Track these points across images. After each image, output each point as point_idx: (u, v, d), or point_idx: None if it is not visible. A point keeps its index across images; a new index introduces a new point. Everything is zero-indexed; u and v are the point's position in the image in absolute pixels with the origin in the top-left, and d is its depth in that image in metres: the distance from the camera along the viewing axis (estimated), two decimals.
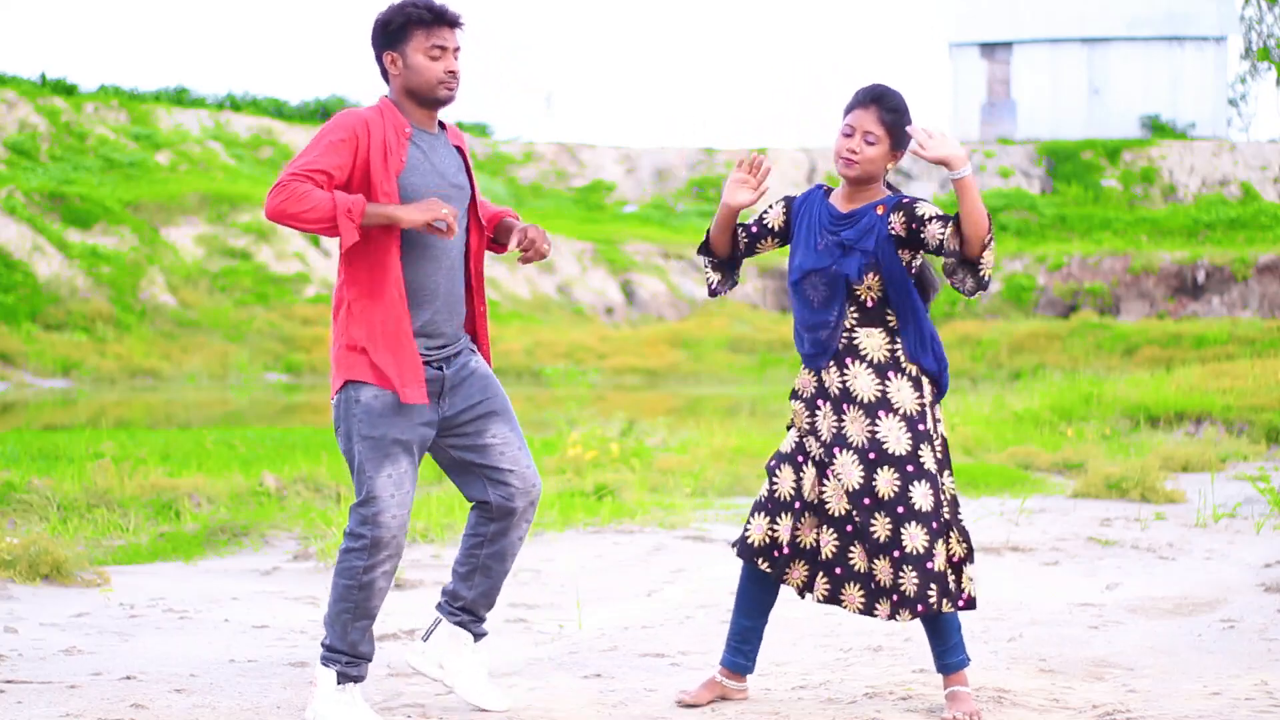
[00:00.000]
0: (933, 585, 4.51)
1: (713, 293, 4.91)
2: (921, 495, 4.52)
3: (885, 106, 4.62)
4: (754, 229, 4.84)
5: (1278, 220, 38.18)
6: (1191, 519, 9.13)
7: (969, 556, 4.65)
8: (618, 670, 5.32)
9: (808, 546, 4.68)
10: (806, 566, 4.70)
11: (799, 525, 4.67)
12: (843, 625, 6.14)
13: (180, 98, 43.39)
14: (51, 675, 5.04)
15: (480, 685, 4.75)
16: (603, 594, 6.94)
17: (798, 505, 4.66)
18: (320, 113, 45.06)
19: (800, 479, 4.67)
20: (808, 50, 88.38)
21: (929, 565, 4.51)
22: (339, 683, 4.49)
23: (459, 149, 4.68)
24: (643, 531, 8.87)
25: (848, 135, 4.63)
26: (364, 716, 4.48)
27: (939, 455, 4.62)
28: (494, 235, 4.78)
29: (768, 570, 4.68)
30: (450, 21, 4.55)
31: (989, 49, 45.21)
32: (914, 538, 4.50)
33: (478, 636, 4.77)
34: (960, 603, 4.64)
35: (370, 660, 4.56)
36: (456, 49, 4.57)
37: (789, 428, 4.79)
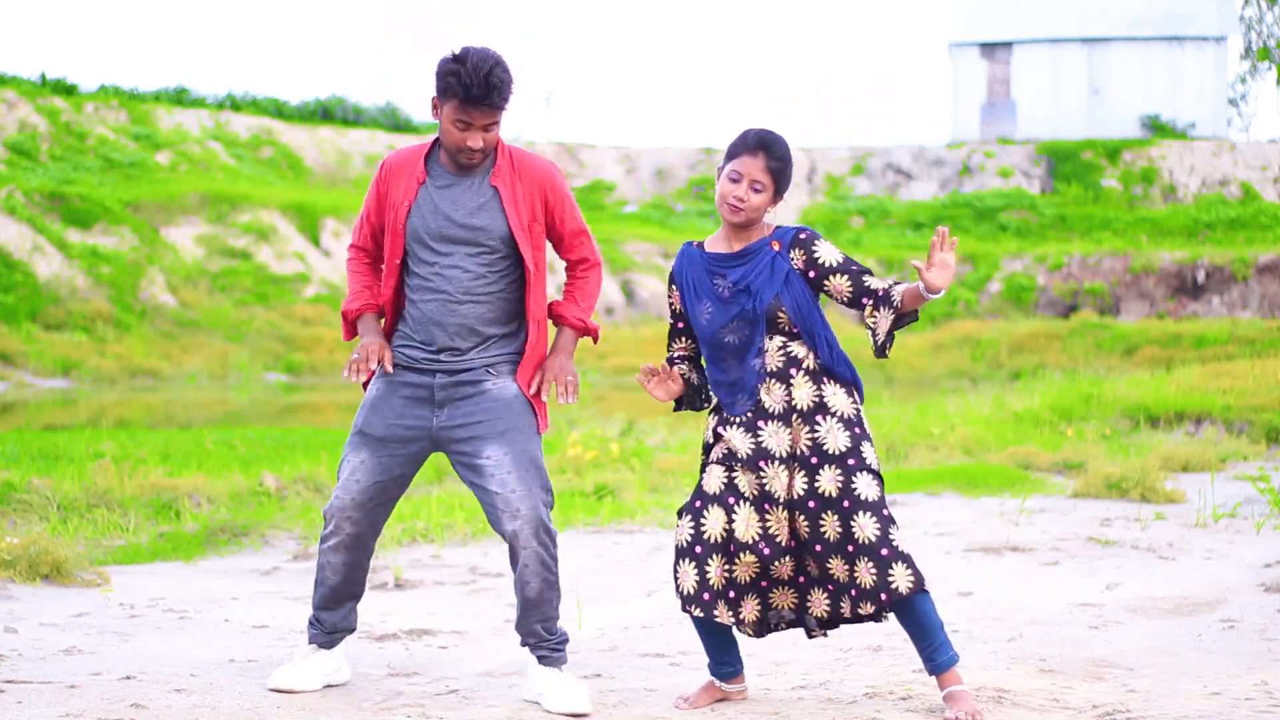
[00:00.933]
0: (891, 571, 4.51)
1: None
2: (866, 485, 4.56)
3: (773, 155, 4.67)
4: (679, 325, 4.90)
5: (1278, 220, 38.19)
6: (1191, 519, 9.13)
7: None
8: (618, 670, 5.32)
9: (746, 581, 4.67)
10: (756, 600, 4.70)
11: (733, 565, 4.65)
12: (842, 625, 6.13)
13: (180, 98, 43.38)
14: (51, 675, 5.04)
15: (554, 695, 4.74)
16: (603, 594, 6.95)
17: (732, 546, 4.65)
18: (320, 113, 45.05)
19: (733, 519, 4.65)
20: (808, 50, 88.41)
21: (883, 552, 4.51)
22: (309, 642, 4.99)
23: (496, 188, 4.76)
24: (643, 531, 8.87)
25: (734, 181, 4.67)
26: (304, 671, 4.90)
27: (873, 454, 4.67)
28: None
29: (700, 615, 4.66)
30: (489, 106, 4.62)
31: (989, 49, 45.22)
32: (864, 527, 4.53)
33: (540, 660, 4.82)
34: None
35: (334, 630, 4.96)
36: (489, 125, 4.66)
37: (708, 465, 4.74)
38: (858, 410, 4.70)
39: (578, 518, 9.17)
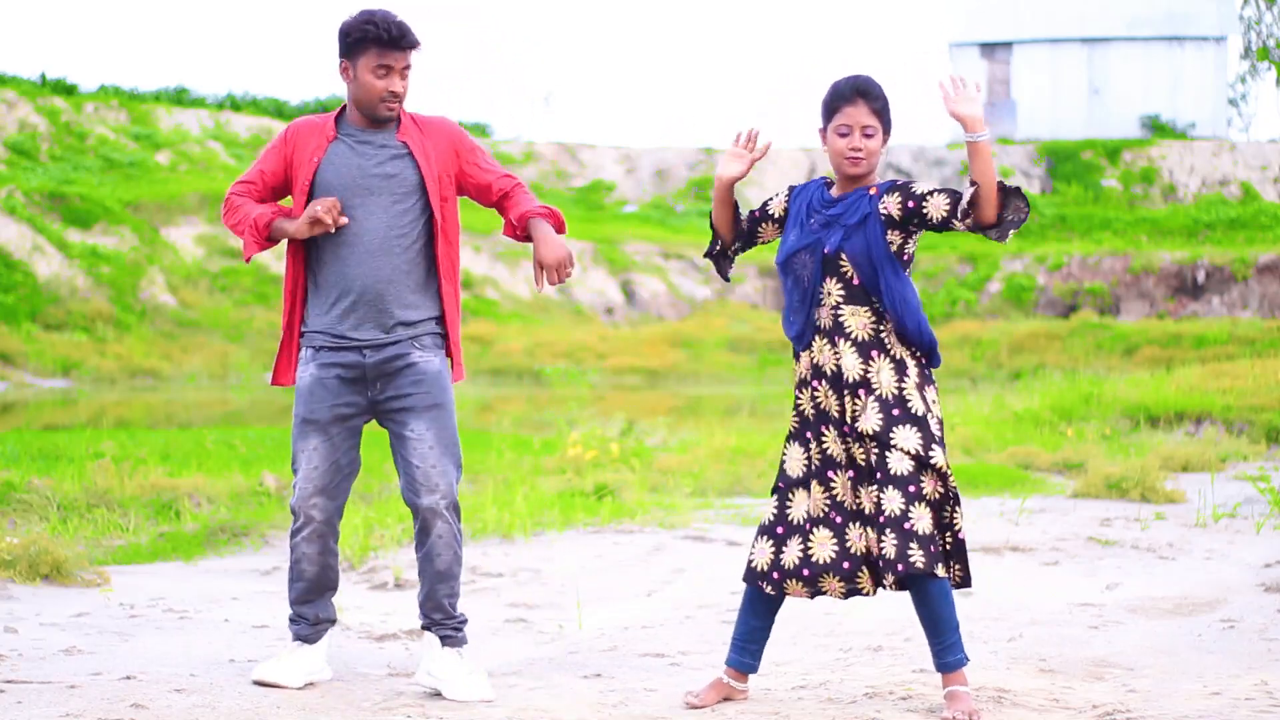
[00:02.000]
0: (912, 545, 4.49)
1: (727, 278, 5.01)
2: (897, 462, 4.55)
3: (872, 97, 4.68)
4: (756, 214, 4.92)
5: (1278, 220, 38.17)
6: (1191, 519, 9.13)
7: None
8: (618, 670, 5.31)
9: (828, 560, 4.68)
10: (839, 579, 4.70)
11: (809, 543, 4.68)
12: (842, 625, 6.14)
13: (180, 98, 43.37)
14: (51, 675, 5.04)
15: (455, 684, 4.82)
16: (603, 594, 6.94)
17: (808, 526, 4.69)
18: (320, 113, 45.02)
19: (810, 498, 4.70)
20: (808, 50, 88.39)
21: (906, 526, 4.50)
22: (293, 639, 5.03)
23: (405, 142, 4.89)
24: (643, 531, 8.87)
25: (844, 135, 4.67)
26: (289, 666, 4.93)
27: (923, 435, 4.59)
28: (526, 232, 4.95)
29: (771, 592, 4.73)
30: (406, 45, 4.81)
31: (989, 49, 45.21)
32: (891, 501, 4.53)
33: (443, 640, 4.89)
34: (949, 574, 4.62)
35: (317, 622, 5.01)
36: (405, 68, 4.84)
37: (789, 440, 4.78)
38: (901, 391, 4.61)
39: (578, 518, 9.16)
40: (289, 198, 5.01)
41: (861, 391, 4.62)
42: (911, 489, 4.55)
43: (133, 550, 8.10)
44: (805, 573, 4.67)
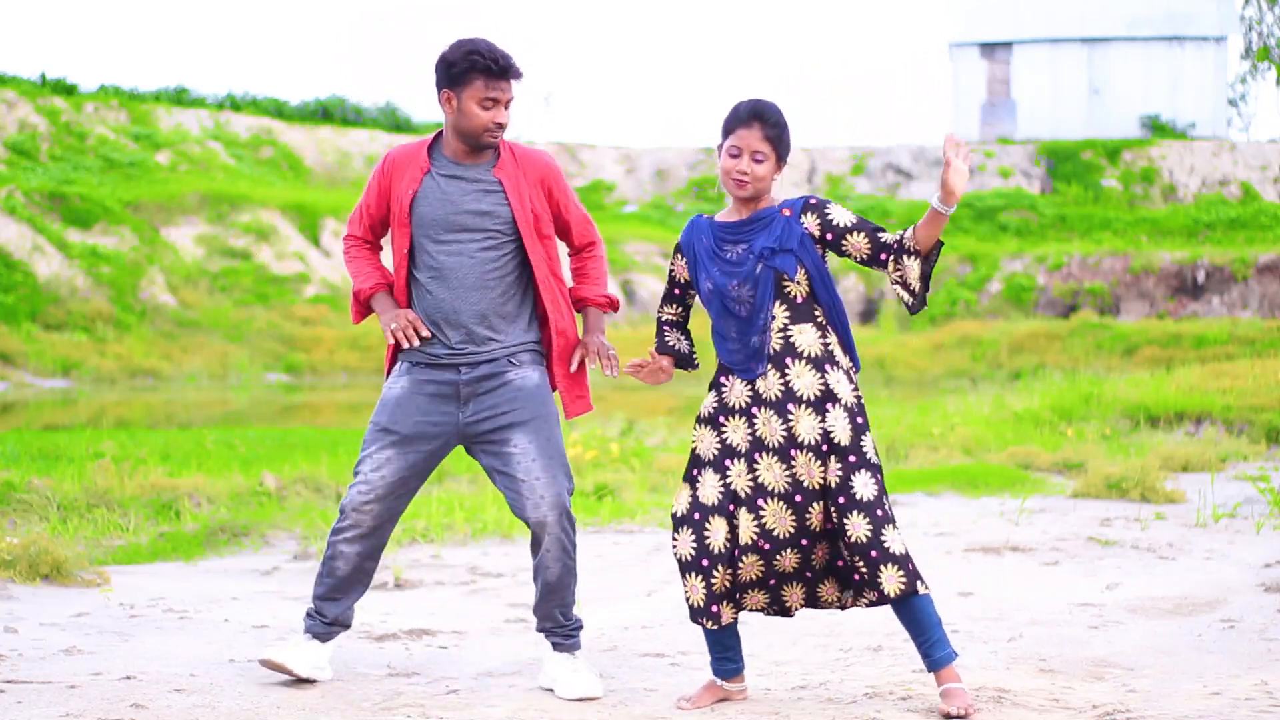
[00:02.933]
0: (880, 572, 4.50)
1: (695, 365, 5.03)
2: (862, 485, 4.55)
3: (767, 123, 4.66)
4: (677, 292, 4.94)
5: (1278, 220, 38.17)
6: (1191, 519, 9.13)
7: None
8: (618, 670, 5.32)
9: (754, 579, 4.68)
10: (764, 593, 4.70)
11: (739, 568, 4.66)
12: (842, 625, 6.14)
13: (180, 98, 43.38)
14: (51, 675, 5.04)
15: (564, 684, 4.89)
16: (603, 594, 6.95)
17: (736, 552, 4.65)
18: (320, 113, 45.04)
19: (735, 525, 4.65)
20: (808, 50, 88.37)
21: (873, 554, 4.51)
22: (304, 631, 5.01)
23: (500, 179, 4.90)
24: (643, 531, 8.87)
25: (734, 156, 4.66)
26: (298, 652, 4.93)
27: (873, 442, 4.67)
28: (579, 308, 5.10)
29: (715, 629, 4.71)
30: (512, 76, 4.82)
31: (989, 49, 45.21)
32: (856, 527, 4.52)
33: (554, 646, 4.98)
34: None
35: (333, 623, 4.99)
36: (510, 100, 4.85)
37: (701, 468, 4.72)
38: (859, 398, 4.68)
39: (578, 518, 9.16)
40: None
41: (828, 404, 4.61)
42: (879, 512, 4.55)
43: (133, 550, 8.10)
44: (736, 595, 4.69)
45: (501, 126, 4.83)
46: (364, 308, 5.03)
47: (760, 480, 4.64)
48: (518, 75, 4.83)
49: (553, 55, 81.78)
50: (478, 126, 4.82)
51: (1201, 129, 43.84)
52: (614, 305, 5.09)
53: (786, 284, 4.65)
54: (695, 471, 4.74)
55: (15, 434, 14.85)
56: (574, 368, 4.94)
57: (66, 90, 39.40)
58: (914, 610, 4.58)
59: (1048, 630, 5.99)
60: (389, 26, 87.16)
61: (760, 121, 4.65)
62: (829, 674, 5.23)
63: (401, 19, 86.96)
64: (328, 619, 5.01)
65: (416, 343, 4.86)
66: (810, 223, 4.68)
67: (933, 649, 4.61)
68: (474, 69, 4.78)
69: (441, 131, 4.98)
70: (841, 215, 4.67)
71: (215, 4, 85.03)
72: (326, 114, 45.11)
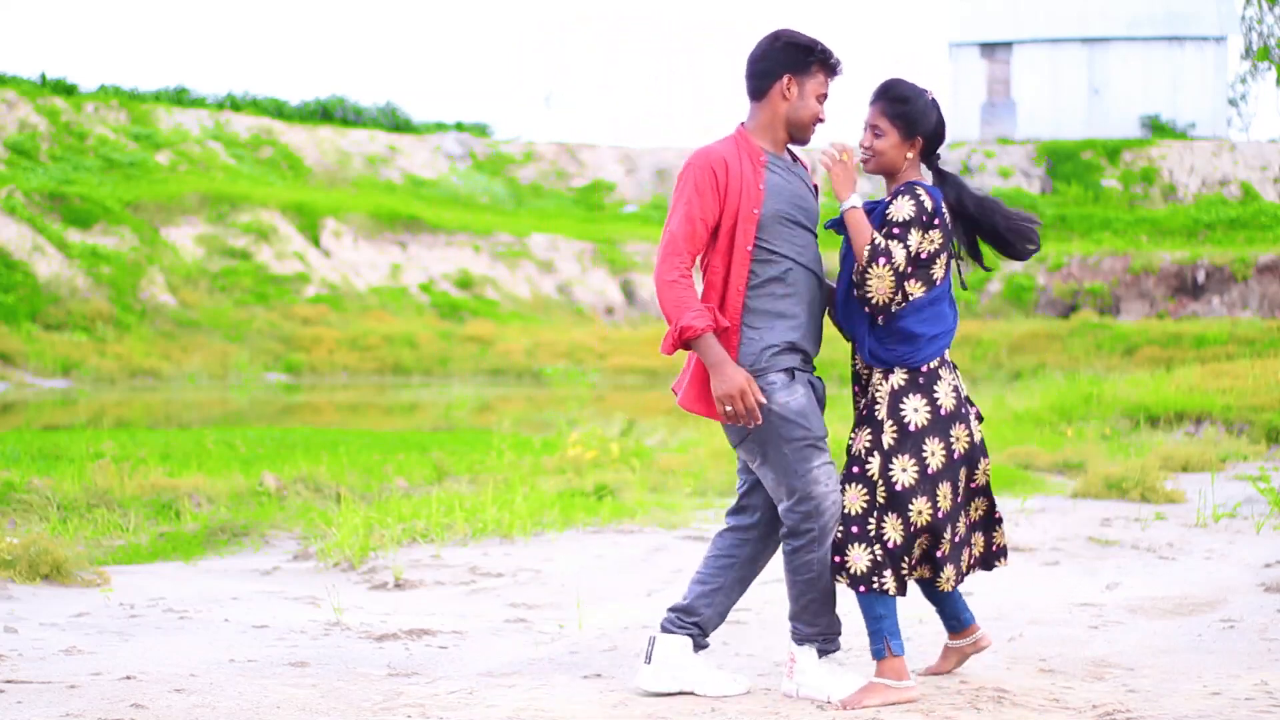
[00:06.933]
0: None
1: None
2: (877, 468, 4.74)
3: (890, 98, 4.81)
4: None
5: (1278, 220, 38.18)
6: (1191, 519, 9.13)
7: (903, 547, 4.73)
8: (618, 670, 5.31)
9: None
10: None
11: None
12: (842, 625, 6.13)
13: (180, 98, 43.40)
14: (51, 675, 5.04)
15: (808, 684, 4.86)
16: (603, 594, 6.94)
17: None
18: (320, 113, 45.05)
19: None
20: None
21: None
22: (819, 656, 4.83)
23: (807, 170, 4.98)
24: (643, 531, 8.87)
25: (864, 132, 4.86)
26: (852, 675, 4.79)
27: (872, 440, 4.76)
28: None
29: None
30: (838, 74, 4.89)
31: (989, 49, 45.21)
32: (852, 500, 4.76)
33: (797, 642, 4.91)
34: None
35: (840, 632, 4.88)
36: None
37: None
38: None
39: (578, 518, 9.17)
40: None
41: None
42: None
43: (133, 550, 8.10)
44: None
45: (822, 122, 4.87)
46: (679, 347, 4.73)
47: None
48: (841, 74, 4.91)
49: (553, 55, 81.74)
50: (809, 117, 4.84)
51: (1201, 129, 43.84)
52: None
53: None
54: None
55: (15, 434, 14.85)
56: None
57: (66, 90, 39.42)
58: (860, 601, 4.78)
59: (1048, 630, 5.99)
60: (389, 26, 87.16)
61: (883, 98, 4.82)
62: None
63: (401, 19, 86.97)
64: (838, 632, 4.89)
65: (751, 426, 4.71)
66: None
67: (870, 640, 4.80)
68: (822, 62, 4.83)
69: (743, 125, 4.88)
70: (892, 210, 4.73)
71: (215, 4, 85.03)
72: (326, 114, 45.12)
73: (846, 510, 4.71)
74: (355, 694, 4.89)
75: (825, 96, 4.86)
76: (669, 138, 72.96)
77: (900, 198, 4.72)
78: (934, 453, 4.69)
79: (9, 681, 4.92)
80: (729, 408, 4.64)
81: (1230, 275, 34.30)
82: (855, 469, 4.74)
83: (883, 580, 4.66)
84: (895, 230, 4.68)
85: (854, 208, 4.71)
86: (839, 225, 4.84)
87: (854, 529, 4.69)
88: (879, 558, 4.67)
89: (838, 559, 4.70)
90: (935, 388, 4.72)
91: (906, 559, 4.70)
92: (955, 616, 5.04)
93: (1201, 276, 34.57)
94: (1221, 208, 39.36)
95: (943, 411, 4.72)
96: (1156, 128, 43.86)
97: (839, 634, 4.87)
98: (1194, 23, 44.09)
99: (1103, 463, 11.60)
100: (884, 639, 4.72)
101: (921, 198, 4.72)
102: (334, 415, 21.14)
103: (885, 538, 4.66)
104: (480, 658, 5.53)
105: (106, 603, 6.52)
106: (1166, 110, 44.15)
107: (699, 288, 4.80)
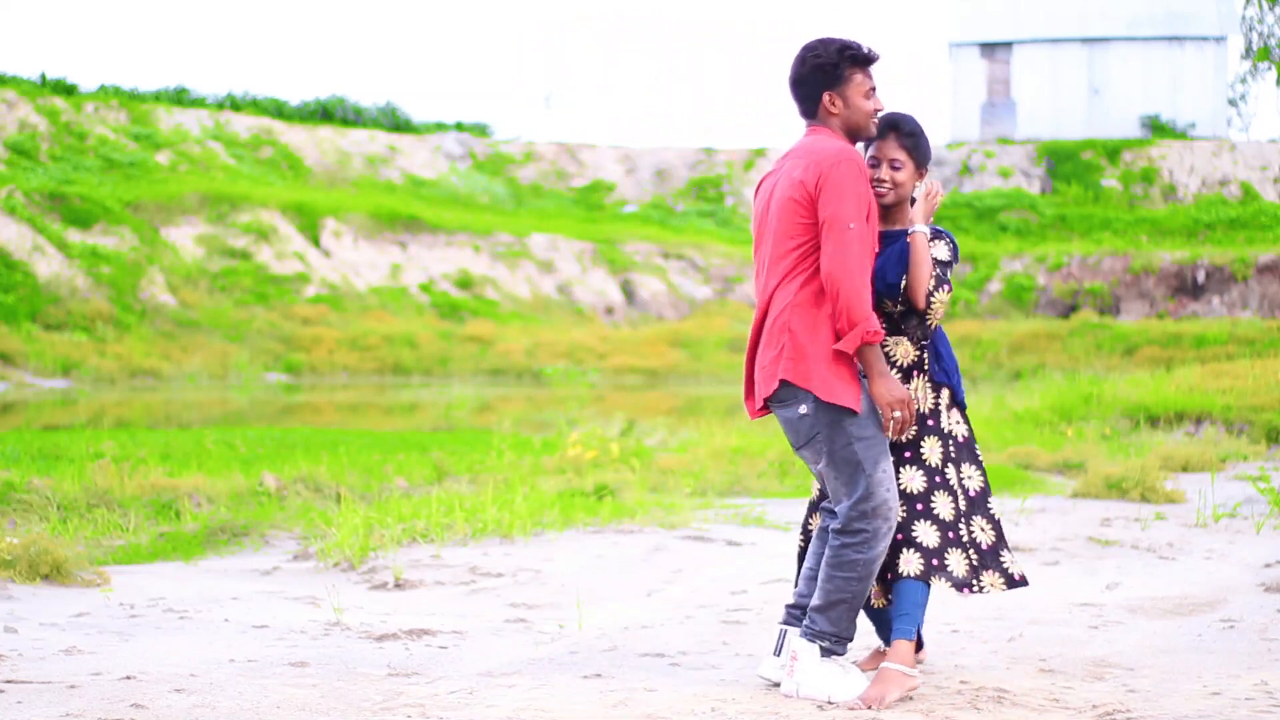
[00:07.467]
0: (909, 555, 4.86)
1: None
2: (908, 479, 4.92)
3: (903, 132, 4.99)
4: None
5: (1278, 220, 38.19)
6: (1191, 519, 9.13)
7: (996, 544, 4.96)
8: (618, 670, 5.31)
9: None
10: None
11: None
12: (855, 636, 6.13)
13: (180, 98, 43.40)
14: (51, 675, 5.04)
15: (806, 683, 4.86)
16: (603, 594, 6.94)
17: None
18: (320, 113, 45.04)
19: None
20: None
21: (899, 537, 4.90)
22: (823, 655, 4.83)
23: None
24: (643, 531, 8.87)
25: (874, 166, 4.98)
26: (856, 676, 4.78)
27: (943, 451, 4.96)
28: None
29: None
30: (876, 61, 4.92)
31: (989, 49, 45.21)
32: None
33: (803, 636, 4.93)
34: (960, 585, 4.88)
35: (851, 640, 4.87)
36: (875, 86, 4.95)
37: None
38: (936, 406, 5.03)
39: (578, 518, 9.16)
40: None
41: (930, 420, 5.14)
42: (918, 506, 4.99)
43: (133, 550, 8.10)
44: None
45: (880, 111, 4.92)
46: (856, 344, 4.72)
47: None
48: (878, 59, 4.91)
49: (553, 55, 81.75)
50: (865, 116, 4.89)
51: (1201, 129, 43.84)
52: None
53: (885, 302, 4.94)
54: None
55: (15, 434, 14.85)
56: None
57: (66, 90, 39.42)
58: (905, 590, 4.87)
59: (1048, 630, 5.99)
60: (389, 26, 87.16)
61: (895, 131, 4.97)
62: None
63: (401, 19, 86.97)
64: (849, 639, 4.88)
65: (904, 439, 4.87)
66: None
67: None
68: (853, 63, 4.86)
69: (821, 126, 4.94)
70: (934, 250, 4.94)
71: (215, 4, 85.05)
72: (326, 114, 45.12)
73: (938, 515, 4.86)
74: (355, 694, 4.89)
75: (874, 89, 4.90)
76: (669, 138, 73.01)
77: (939, 240, 4.97)
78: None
79: (9, 681, 4.92)
80: (897, 413, 4.76)
81: (1230, 275, 34.31)
82: (937, 478, 4.92)
83: (980, 583, 4.87)
84: (939, 268, 4.95)
85: (924, 233, 4.90)
86: None
87: (949, 534, 4.87)
88: (974, 561, 4.90)
89: (935, 562, 4.82)
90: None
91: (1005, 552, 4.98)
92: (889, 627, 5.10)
93: (1201, 276, 34.57)
94: (1221, 208, 39.36)
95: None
96: (1156, 128, 43.86)
97: (849, 641, 4.86)
98: (1194, 23, 44.09)
99: (1103, 463, 11.60)
100: (917, 624, 4.84)
101: (953, 244, 5.05)
102: (334, 415, 21.14)
103: (977, 540, 4.94)
104: (480, 658, 5.53)
105: (106, 603, 6.52)
106: (1166, 110, 44.16)
107: (791, 287, 4.79)
